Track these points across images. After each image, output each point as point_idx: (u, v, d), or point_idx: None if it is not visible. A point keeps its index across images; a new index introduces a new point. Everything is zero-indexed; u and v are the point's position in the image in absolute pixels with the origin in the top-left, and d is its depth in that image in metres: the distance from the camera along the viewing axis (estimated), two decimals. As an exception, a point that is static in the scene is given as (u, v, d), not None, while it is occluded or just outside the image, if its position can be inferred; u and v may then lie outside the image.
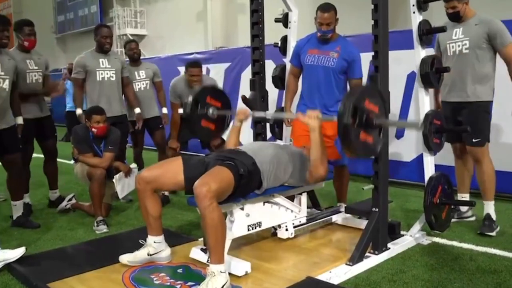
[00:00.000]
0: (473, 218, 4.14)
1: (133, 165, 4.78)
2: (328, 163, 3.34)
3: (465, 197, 4.17)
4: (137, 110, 5.17)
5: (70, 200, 4.79)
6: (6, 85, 3.94)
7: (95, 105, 4.61)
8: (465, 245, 3.57)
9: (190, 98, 3.60)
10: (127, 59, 5.63)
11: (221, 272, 2.69)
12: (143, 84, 5.46)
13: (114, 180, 4.52)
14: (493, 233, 3.76)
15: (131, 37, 17.20)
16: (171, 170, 3.08)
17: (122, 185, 4.61)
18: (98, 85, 4.83)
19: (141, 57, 5.78)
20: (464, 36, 3.83)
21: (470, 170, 4.18)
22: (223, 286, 2.65)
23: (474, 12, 3.86)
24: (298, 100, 4.17)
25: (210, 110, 3.64)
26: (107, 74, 4.86)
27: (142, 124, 5.27)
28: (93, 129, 4.35)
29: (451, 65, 3.83)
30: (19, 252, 3.28)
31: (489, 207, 3.90)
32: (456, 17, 3.85)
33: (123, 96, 5.17)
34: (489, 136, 3.90)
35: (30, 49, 4.59)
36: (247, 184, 3.00)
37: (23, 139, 4.40)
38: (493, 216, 3.87)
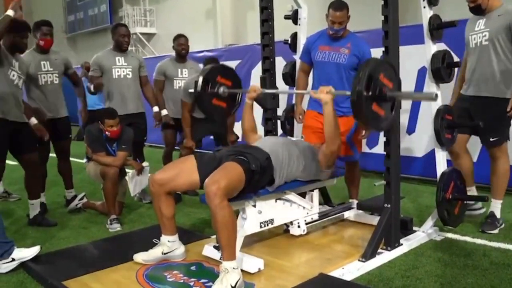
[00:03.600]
0: (482, 210, 4.08)
1: (145, 164, 4.80)
2: (339, 159, 3.34)
3: (471, 190, 4.07)
4: (155, 109, 5.14)
5: (81, 199, 4.82)
6: (22, 82, 3.96)
7: (107, 108, 4.62)
8: (478, 241, 3.55)
9: (200, 77, 3.58)
10: (174, 54, 5.44)
11: (234, 268, 2.71)
12: (183, 82, 5.21)
13: (127, 178, 4.56)
14: (496, 231, 3.72)
15: (141, 36, 17.31)
16: (185, 171, 3.08)
17: (135, 183, 4.64)
18: (114, 83, 4.86)
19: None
20: (485, 27, 3.67)
21: (468, 162, 4.02)
22: (237, 282, 2.67)
23: (501, 2, 3.69)
24: (308, 96, 4.17)
25: (221, 89, 3.64)
26: (123, 71, 4.88)
27: (174, 123, 5.24)
28: (107, 132, 4.38)
29: (473, 58, 3.76)
30: (34, 250, 3.31)
31: (496, 205, 3.82)
32: (478, 11, 3.70)
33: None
34: (508, 134, 3.78)
35: (47, 49, 4.59)
36: (260, 179, 3.00)
37: (40, 139, 4.45)
38: (498, 215, 3.81)
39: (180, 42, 5.30)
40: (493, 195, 3.87)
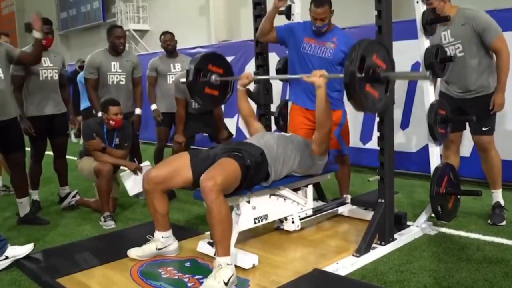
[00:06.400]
0: None
1: (146, 163, 4.72)
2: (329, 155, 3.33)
3: None
4: (138, 111, 5.11)
5: (74, 196, 4.80)
6: (0, 73, 3.86)
7: (108, 98, 4.59)
8: (472, 235, 3.56)
9: (192, 66, 3.56)
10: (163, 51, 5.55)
11: (227, 264, 2.70)
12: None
13: (122, 179, 4.52)
14: (504, 223, 3.77)
15: (134, 33, 17.23)
16: (179, 168, 3.07)
17: (133, 182, 4.55)
18: (107, 88, 4.85)
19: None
20: (455, 40, 3.75)
21: (457, 158, 4.09)
22: (229, 278, 2.66)
23: (457, 8, 3.75)
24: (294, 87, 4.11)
25: (213, 77, 3.62)
26: (117, 78, 4.87)
27: (168, 118, 5.30)
28: (111, 122, 4.34)
29: (452, 68, 3.79)
30: (27, 248, 3.31)
31: (498, 195, 3.92)
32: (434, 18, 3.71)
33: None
34: (495, 126, 3.88)
35: (47, 48, 4.59)
36: (255, 175, 3.00)
37: (34, 136, 4.46)
38: (502, 203, 3.90)
39: (165, 39, 5.42)
40: (492, 186, 3.95)
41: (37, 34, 3.92)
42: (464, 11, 3.73)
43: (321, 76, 3.05)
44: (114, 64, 4.85)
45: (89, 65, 4.86)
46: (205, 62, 3.62)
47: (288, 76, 4.10)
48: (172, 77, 5.31)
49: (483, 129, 3.82)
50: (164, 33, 5.53)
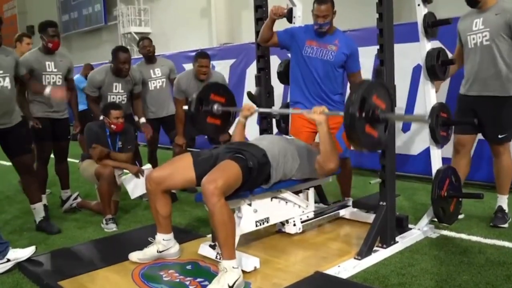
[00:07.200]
0: (461, 216, 3.99)
1: (147, 166, 4.74)
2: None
3: None
4: (142, 120, 5.09)
5: (75, 199, 4.80)
6: (7, 83, 3.79)
7: (109, 102, 4.60)
8: (474, 238, 3.56)
9: (194, 96, 3.60)
10: (142, 57, 5.53)
11: (233, 267, 2.70)
12: (158, 82, 5.34)
13: (123, 181, 4.53)
14: (506, 225, 3.77)
15: (135, 36, 17.24)
16: (181, 168, 3.08)
17: (134, 186, 4.56)
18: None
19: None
20: (484, 27, 3.65)
21: (466, 165, 4.01)
22: (235, 281, 2.66)
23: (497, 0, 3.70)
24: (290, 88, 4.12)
25: (215, 107, 3.65)
26: (118, 98, 4.87)
27: (157, 124, 5.31)
28: (112, 126, 4.35)
29: (472, 58, 3.75)
30: (29, 251, 3.30)
31: (503, 200, 3.88)
32: (472, 2, 3.70)
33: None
34: None
35: (54, 51, 4.56)
36: (257, 176, 3.00)
37: (40, 139, 4.48)
38: (506, 209, 3.87)
39: (144, 45, 5.39)
40: (499, 191, 3.92)
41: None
42: (504, 4, 3.66)
43: (321, 113, 3.06)
44: (116, 85, 4.83)
45: (91, 84, 4.83)
46: (208, 92, 3.67)
47: (289, 110, 4.09)
48: (153, 83, 5.32)
49: (499, 136, 3.74)
50: (142, 38, 5.53)
